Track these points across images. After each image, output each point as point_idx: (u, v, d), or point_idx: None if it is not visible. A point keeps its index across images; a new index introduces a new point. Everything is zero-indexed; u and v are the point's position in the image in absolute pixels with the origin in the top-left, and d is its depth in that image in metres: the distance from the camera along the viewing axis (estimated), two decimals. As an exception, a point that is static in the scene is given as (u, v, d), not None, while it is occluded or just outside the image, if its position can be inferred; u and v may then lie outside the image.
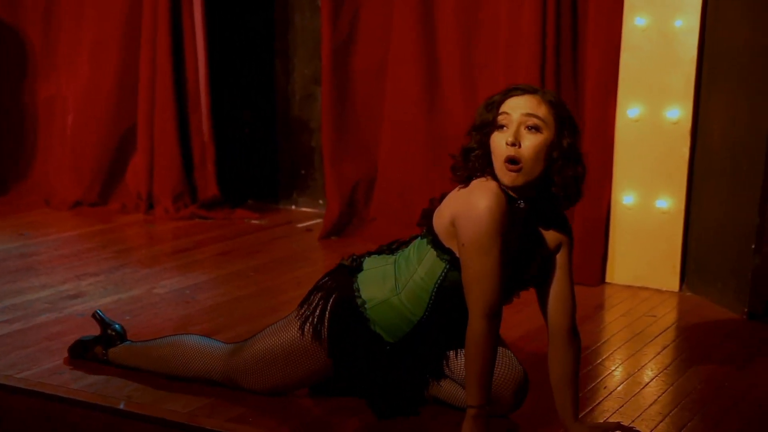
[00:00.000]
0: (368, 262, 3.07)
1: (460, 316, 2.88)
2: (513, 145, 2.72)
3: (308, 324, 3.05)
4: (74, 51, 5.91)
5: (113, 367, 3.37)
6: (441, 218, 2.85)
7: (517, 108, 2.75)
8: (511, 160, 2.73)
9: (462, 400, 2.97)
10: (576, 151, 2.80)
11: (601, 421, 3.12)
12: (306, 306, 3.09)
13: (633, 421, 3.13)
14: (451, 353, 3.07)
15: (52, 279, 4.44)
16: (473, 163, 2.81)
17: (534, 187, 2.80)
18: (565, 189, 2.80)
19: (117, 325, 3.45)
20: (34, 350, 3.56)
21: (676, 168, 4.44)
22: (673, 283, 4.51)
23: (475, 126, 2.83)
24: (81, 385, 3.24)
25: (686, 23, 4.34)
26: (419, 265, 2.93)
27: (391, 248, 3.11)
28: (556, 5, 4.64)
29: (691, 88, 4.37)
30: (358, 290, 3.02)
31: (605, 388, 3.38)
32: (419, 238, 2.97)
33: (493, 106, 2.79)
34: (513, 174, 2.73)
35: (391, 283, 2.98)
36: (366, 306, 2.99)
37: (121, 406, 3.08)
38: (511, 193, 2.79)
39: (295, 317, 3.09)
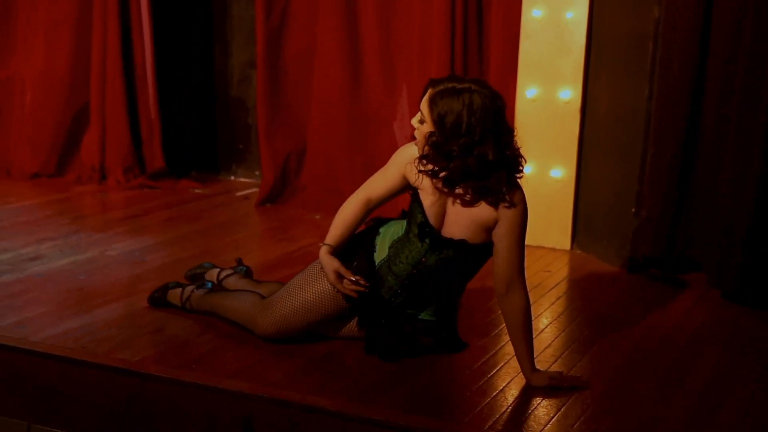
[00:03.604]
0: (387, 225, 3.22)
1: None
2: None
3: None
4: (30, 34, 5.85)
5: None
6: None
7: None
8: None
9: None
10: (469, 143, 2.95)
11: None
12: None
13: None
14: None
15: (14, 243, 4.42)
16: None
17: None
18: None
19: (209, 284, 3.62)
20: (-3, 307, 3.59)
21: (567, 142, 4.54)
22: (564, 242, 4.62)
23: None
24: (39, 337, 3.27)
25: (576, 15, 4.44)
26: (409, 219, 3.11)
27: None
28: (463, -2, 4.72)
29: (581, 72, 4.47)
30: (375, 247, 3.17)
31: (506, 335, 3.45)
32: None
33: None
34: None
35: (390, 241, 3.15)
36: (376, 262, 3.15)
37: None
38: None
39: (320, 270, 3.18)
